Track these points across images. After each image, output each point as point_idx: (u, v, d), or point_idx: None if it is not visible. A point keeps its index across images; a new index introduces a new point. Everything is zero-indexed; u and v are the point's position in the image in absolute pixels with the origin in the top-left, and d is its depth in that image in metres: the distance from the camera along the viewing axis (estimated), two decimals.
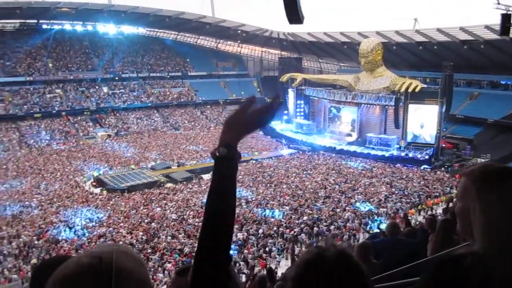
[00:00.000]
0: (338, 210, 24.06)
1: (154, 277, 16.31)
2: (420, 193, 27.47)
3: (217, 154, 1.31)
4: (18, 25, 55.94)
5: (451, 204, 7.45)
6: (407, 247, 4.62)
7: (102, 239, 20.36)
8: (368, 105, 41.65)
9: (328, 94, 45.06)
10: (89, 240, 20.41)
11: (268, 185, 30.04)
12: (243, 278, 13.89)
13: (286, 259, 18.63)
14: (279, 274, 13.46)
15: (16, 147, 42.23)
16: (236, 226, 21.23)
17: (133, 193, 29.11)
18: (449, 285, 1.04)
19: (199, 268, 1.23)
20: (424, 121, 37.34)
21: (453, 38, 42.74)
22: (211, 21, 59.73)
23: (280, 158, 39.37)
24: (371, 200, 25.92)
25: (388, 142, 38.64)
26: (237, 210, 23.02)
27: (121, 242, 17.78)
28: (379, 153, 37.81)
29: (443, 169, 34.21)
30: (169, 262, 17.67)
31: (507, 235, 1.07)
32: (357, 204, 25.32)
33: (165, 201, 26.81)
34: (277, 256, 18.66)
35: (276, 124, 49.83)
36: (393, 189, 28.39)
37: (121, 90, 55.83)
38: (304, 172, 33.51)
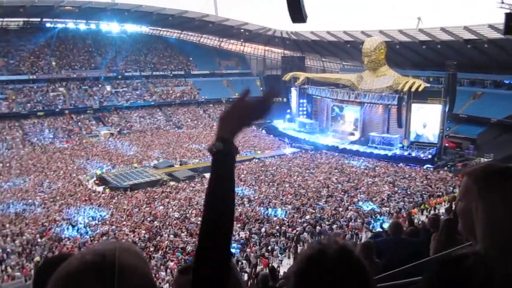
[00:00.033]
0: (340, 209, 24.03)
1: (157, 275, 16.32)
2: (423, 192, 27.39)
3: (214, 149, 1.29)
4: (22, 24, 56.08)
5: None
6: (409, 246, 4.62)
7: (104, 237, 20.40)
8: (371, 104, 41.60)
9: (331, 93, 45.00)
10: (92, 238, 20.44)
11: (271, 184, 30.03)
12: (245, 277, 13.90)
13: (289, 258, 18.62)
14: (281, 273, 13.49)
15: (19, 145, 42.38)
16: (238, 225, 21.26)
17: (135, 191, 29.19)
18: (450, 286, 1.03)
19: (199, 266, 1.22)
20: (427, 120, 37.25)
21: (456, 37, 42.62)
22: (214, 19, 59.75)
23: (283, 157, 39.36)
24: (374, 199, 25.87)
25: (391, 141, 38.59)
26: (239, 209, 23.10)
27: (123, 240, 17.82)
28: (382, 152, 37.75)
29: (446, 168, 34.12)
30: (172, 261, 17.69)
31: (509, 235, 1.07)
32: (360, 203, 25.25)
33: (167, 200, 26.85)
34: (279, 255, 18.64)
35: (279, 123, 49.90)
36: (396, 189, 28.32)
37: (124, 89, 55.95)
38: (307, 171, 33.50)
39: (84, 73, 54.96)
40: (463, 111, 42.35)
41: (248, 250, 18.78)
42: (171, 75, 61.43)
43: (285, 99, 50.92)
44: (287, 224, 21.72)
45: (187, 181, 31.67)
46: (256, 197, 26.74)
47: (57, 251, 18.37)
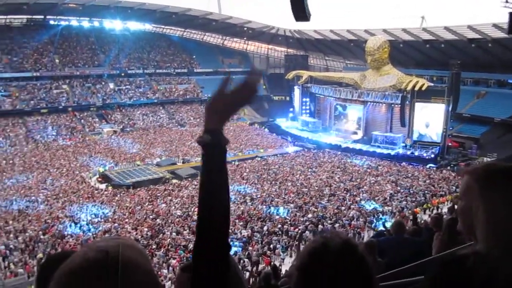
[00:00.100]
0: (343, 208, 24.02)
1: (159, 273, 16.33)
2: (426, 191, 27.34)
3: (202, 142, 1.24)
4: (25, 21, 56.12)
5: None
6: (412, 245, 4.61)
7: (107, 235, 20.44)
8: (374, 103, 41.54)
9: (334, 92, 44.94)
10: (95, 236, 20.48)
11: (273, 182, 30.04)
12: (247, 275, 13.91)
13: (291, 256, 18.61)
14: (283, 271, 13.48)
15: (22, 142, 42.47)
16: (240, 223, 21.30)
17: (138, 189, 29.24)
18: (451, 286, 1.03)
19: (196, 263, 1.20)
20: (430, 119, 37.17)
21: (460, 37, 42.48)
22: (217, 17, 59.68)
23: (286, 155, 39.33)
24: (376, 198, 25.85)
25: (393, 140, 38.51)
26: (242, 207, 23.05)
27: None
28: (385, 151, 37.70)
29: (449, 168, 34.04)
30: (174, 258, 17.71)
31: None
32: (362, 202, 25.24)
33: (170, 198, 26.89)
34: (281, 253, 18.63)
35: (282, 122, 49.91)
36: (399, 188, 28.28)
37: (127, 86, 56.00)
38: (309, 170, 33.48)
39: (87, 70, 54.99)
40: (467, 111, 42.25)
41: (250, 248, 18.79)
42: (174, 73, 61.42)
43: (288, 98, 50.86)
44: (289, 222, 21.73)
45: (189, 179, 31.70)
46: (259, 196, 26.74)
47: (60, 248, 18.40)
